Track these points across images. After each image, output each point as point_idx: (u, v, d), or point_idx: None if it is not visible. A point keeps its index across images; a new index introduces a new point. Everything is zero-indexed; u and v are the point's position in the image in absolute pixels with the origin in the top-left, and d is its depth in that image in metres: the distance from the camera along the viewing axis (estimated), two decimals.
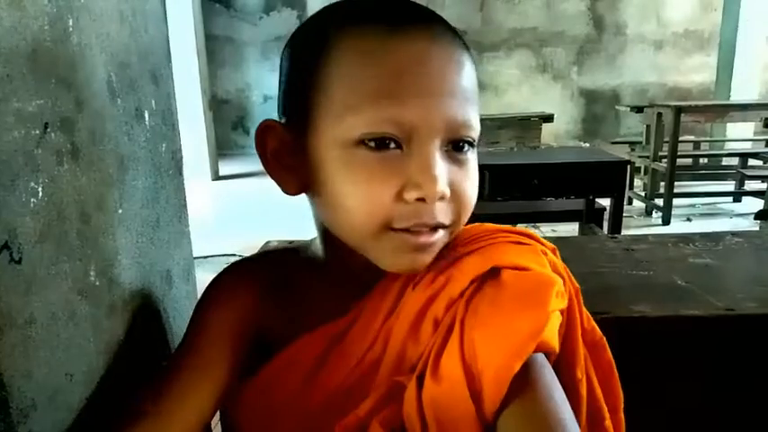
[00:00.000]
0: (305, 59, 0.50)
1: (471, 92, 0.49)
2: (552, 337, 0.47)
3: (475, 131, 0.49)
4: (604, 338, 0.56)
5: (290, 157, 0.52)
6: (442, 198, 0.47)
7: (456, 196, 0.49)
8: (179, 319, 0.74)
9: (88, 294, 0.51)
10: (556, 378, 0.47)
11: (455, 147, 0.49)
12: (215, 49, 7.19)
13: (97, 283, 0.53)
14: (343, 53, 0.47)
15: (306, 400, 0.53)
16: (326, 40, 0.48)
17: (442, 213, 0.48)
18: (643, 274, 0.94)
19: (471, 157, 0.50)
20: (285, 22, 7.53)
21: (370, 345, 0.51)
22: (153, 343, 0.66)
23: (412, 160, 0.46)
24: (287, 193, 0.54)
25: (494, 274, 0.50)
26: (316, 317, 0.54)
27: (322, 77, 0.48)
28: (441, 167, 0.47)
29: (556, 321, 0.47)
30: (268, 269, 0.60)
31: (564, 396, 0.46)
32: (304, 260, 0.59)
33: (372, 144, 0.46)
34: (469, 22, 6.97)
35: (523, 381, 0.44)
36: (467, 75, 0.48)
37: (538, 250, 0.53)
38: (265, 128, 0.52)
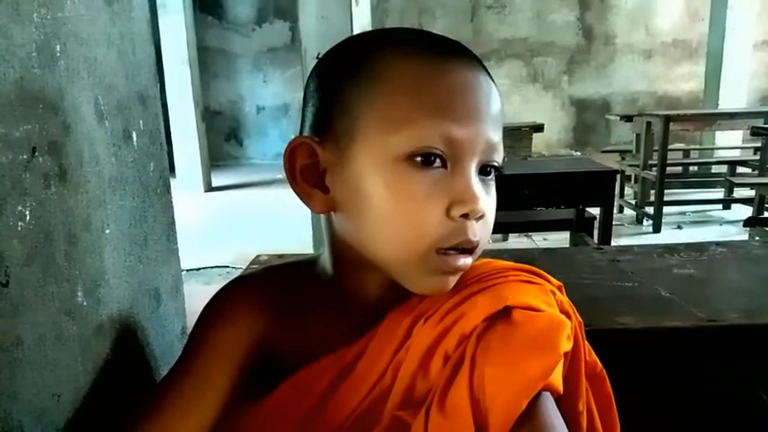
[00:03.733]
0: (345, 79, 0.50)
1: (501, 121, 0.51)
2: (558, 379, 0.47)
3: (501, 156, 0.51)
4: (604, 371, 0.56)
5: (320, 174, 0.52)
6: (480, 217, 0.49)
7: (484, 220, 0.50)
8: (168, 337, 0.75)
9: (75, 315, 0.52)
10: (558, 412, 0.47)
11: (482, 171, 0.50)
12: (207, 61, 7.21)
13: (84, 304, 0.54)
14: (396, 72, 0.48)
15: (312, 430, 0.52)
16: (372, 61, 0.49)
17: (479, 234, 0.49)
18: (627, 286, 0.95)
19: (493, 184, 0.52)
20: (277, 34, 7.56)
21: (379, 377, 0.51)
22: (141, 361, 0.66)
23: (455, 179, 0.48)
24: (313, 211, 0.53)
25: (505, 312, 0.50)
26: (323, 340, 0.53)
27: (369, 94, 0.48)
28: (479, 187, 0.49)
29: (561, 364, 0.48)
30: (274, 285, 0.59)
31: (565, 429, 0.47)
32: (311, 278, 0.58)
33: (419, 159, 0.47)
34: (460, 32, 7.03)
35: (526, 414, 0.44)
36: (499, 105, 0.51)
37: (547, 290, 0.54)
38: (298, 145, 0.52)
